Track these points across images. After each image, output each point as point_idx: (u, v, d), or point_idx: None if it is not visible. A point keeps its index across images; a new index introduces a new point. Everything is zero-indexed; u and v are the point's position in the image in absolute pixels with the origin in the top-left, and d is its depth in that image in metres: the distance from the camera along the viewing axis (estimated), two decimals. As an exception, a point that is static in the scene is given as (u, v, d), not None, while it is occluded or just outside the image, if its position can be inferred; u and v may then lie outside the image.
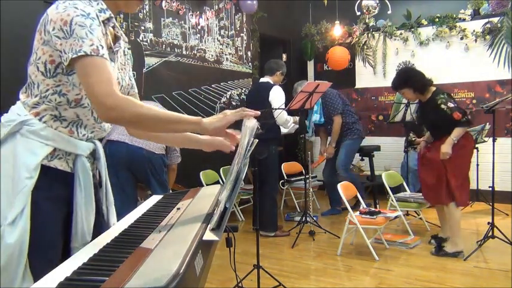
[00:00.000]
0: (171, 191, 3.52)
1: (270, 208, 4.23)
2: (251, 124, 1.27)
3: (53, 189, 1.28)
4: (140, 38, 4.20)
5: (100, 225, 1.40)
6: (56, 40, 1.20)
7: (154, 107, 1.26)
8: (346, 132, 4.92)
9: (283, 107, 4.08)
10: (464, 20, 5.56)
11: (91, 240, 1.28)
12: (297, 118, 4.40)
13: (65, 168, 1.31)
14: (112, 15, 1.32)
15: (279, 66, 4.39)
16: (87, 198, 1.33)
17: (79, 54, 1.16)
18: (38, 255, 1.22)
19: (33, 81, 1.29)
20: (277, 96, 4.16)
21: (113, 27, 1.37)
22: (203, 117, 1.35)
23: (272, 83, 4.27)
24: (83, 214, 1.32)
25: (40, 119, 1.28)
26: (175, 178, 3.80)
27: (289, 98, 4.29)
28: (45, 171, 1.26)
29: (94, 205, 1.36)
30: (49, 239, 1.26)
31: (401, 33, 5.97)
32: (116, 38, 1.39)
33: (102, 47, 1.20)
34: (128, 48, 1.51)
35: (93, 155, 1.41)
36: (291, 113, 4.25)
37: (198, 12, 4.91)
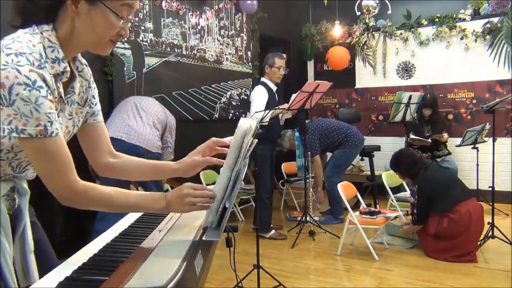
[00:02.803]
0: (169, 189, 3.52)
1: (261, 209, 4.11)
2: (253, 126, 1.25)
3: None
4: (140, 38, 4.19)
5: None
6: None
7: (114, 193, 1.16)
8: (340, 144, 4.80)
9: (261, 107, 3.92)
10: (464, 20, 5.55)
11: None
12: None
13: None
14: (67, 68, 1.12)
15: (267, 60, 4.21)
16: (9, 241, 1.15)
17: (22, 136, 1.00)
18: None
19: None
20: (254, 97, 4.09)
21: (69, 62, 1.19)
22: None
23: (266, 81, 4.18)
24: (10, 261, 1.15)
25: None
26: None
27: (287, 96, 4.23)
28: None
29: (11, 253, 1.17)
30: None
31: (401, 33, 5.97)
32: (71, 78, 1.19)
33: (51, 123, 1.03)
34: (86, 80, 1.29)
35: (16, 191, 1.22)
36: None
37: (198, 12, 4.91)
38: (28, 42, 1.04)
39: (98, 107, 1.35)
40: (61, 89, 1.13)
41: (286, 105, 4.05)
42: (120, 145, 3.24)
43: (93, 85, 1.32)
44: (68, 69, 1.13)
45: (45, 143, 1.03)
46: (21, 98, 0.98)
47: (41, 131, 1.02)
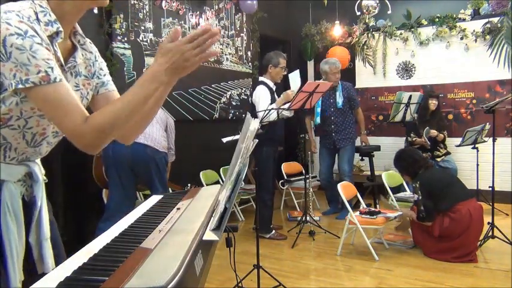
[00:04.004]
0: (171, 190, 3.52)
1: (261, 210, 4.09)
2: (253, 126, 1.25)
3: None
4: (140, 38, 4.20)
5: (27, 266, 1.19)
6: None
7: (120, 103, 1.12)
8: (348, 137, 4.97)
9: (268, 106, 3.92)
10: (464, 20, 5.56)
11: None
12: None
13: None
14: (60, 28, 1.13)
15: (268, 60, 4.20)
16: (19, 227, 1.17)
17: (27, 85, 1.02)
18: None
19: None
20: (258, 98, 4.07)
21: (70, 36, 1.22)
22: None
23: (266, 80, 4.18)
24: (18, 247, 1.15)
25: None
26: (168, 177, 3.79)
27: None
28: None
29: (24, 239, 1.19)
30: None
31: (401, 33, 5.97)
32: (72, 49, 1.22)
33: (52, 69, 1.05)
34: (90, 53, 1.30)
35: (29, 177, 1.24)
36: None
37: (198, 12, 4.91)
38: (17, 6, 1.07)
39: (108, 77, 1.37)
40: (59, 54, 1.15)
41: (286, 105, 4.05)
42: (129, 145, 3.24)
43: (100, 59, 1.35)
44: (61, 29, 1.13)
45: (50, 90, 1.04)
46: (16, 47, 1.01)
47: (43, 77, 1.03)
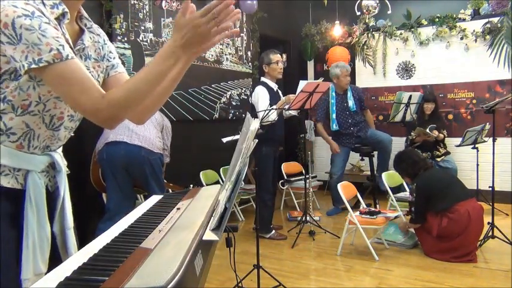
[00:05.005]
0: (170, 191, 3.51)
1: (261, 210, 4.08)
2: (254, 126, 1.26)
3: None
4: (140, 38, 4.20)
5: (53, 254, 1.22)
6: (4, 47, 1.04)
7: (136, 79, 1.12)
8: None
9: (267, 106, 3.91)
10: (464, 20, 5.56)
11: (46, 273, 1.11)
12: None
13: (14, 185, 1.17)
14: (66, 9, 1.15)
15: (263, 59, 4.20)
16: (41, 219, 1.18)
17: (40, 65, 1.03)
18: None
19: None
20: (257, 98, 4.05)
21: (76, 20, 1.23)
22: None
23: (266, 81, 4.17)
24: (36, 238, 1.16)
25: None
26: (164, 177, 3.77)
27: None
28: None
29: (49, 228, 1.21)
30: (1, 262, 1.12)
31: (401, 33, 5.97)
32: (80, 32, 1.23)
33: (63, 46, 1.05)
34: (98, 35, 1.32)
35: (52, 167, 1.27)
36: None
37: (198, 12, 4.91)
38: None
39: (118, 60, 1.38)
40: (67, 36, 1.16)
41: (286, 105, 4.05)
42: (123, 147, 3.24)
43: (109, 42, 1.37)
44: (67, 10, 1.15)
45: (64, 67, 1.05)
46: (25, 28, 1.02)
47: (56, 55, 1.04)
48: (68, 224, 1.29)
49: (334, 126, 5.05)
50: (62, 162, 1.29)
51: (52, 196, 1.26)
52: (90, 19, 1.29)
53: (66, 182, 1.30)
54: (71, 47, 1.14)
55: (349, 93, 5.08)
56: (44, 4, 1.10)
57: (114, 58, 1.37)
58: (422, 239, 3.65)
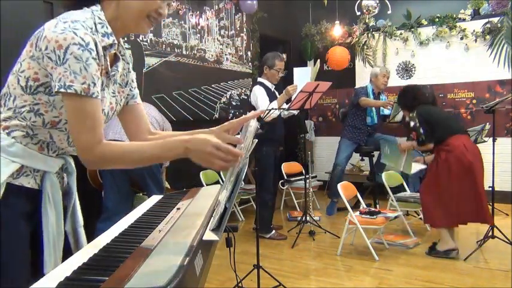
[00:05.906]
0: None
1: (261, 210, 4.07)
2: (253, 126, 1.26)
3: (18, 207, 1.20)
4: (140, 38, 4.20)
5: (65, 250, 1.30)
6: (47, 61, 1.12)
7: (135, 147, 1.20)
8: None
9: (268, 106, 3.90)
10: (464, 20, 5.56)
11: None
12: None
13: (33, 185, 1.24)
14: (115, 41, 1.24)
15: (264, 61, 4.17)
16: (58, 216, 1.26)
17: (68, 91, 1.10)
18: (4, 274, 1.15)
19: (10, 92, 1.21)
20: (256, 98, 4.03)
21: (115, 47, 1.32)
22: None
23: (263, 81, 4.15)
24: (55, 234, 1.24)
25: (9, 133, 1.20)
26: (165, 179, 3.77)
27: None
28: (10, 188, 1.18)
29: (63, 226, 1.29)
30: (16, 258, 1.19)
31: (401, 33, 5.97)
32: (115, 59, 1.32)
33: (94, 85, 1.13)
34: (128, 64, 1.42)
35: (64, 170, 1.35)
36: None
37: (198, 12, 4.91)
38: (81, 16, 1.18)
39: (137, 90, 1.48)
40: (108, 63, 1.25)
41: (286, 105, 4.05)
42: None
43: (132, 71, 1.45)
44: (116, 42, 1.25)
45: (86, 102, 1.12)
46: (75, 56, 1.10)
47: (85, 89, 1.11)
48: (79, 222, 1.39)
49: (370, 120, 5.09)
50: (73, 165, 1.37)
51: (64, 196, 1.33)
52: (124, 47, 1.37)
53: (75, 184, 1.39)
54: (107, 72, 1.25)
55: (383, 97, 5.25)
56: (97, 31, 1.19)
57: (135, 88, 1.46)
58: (431, 208, 3.53)
